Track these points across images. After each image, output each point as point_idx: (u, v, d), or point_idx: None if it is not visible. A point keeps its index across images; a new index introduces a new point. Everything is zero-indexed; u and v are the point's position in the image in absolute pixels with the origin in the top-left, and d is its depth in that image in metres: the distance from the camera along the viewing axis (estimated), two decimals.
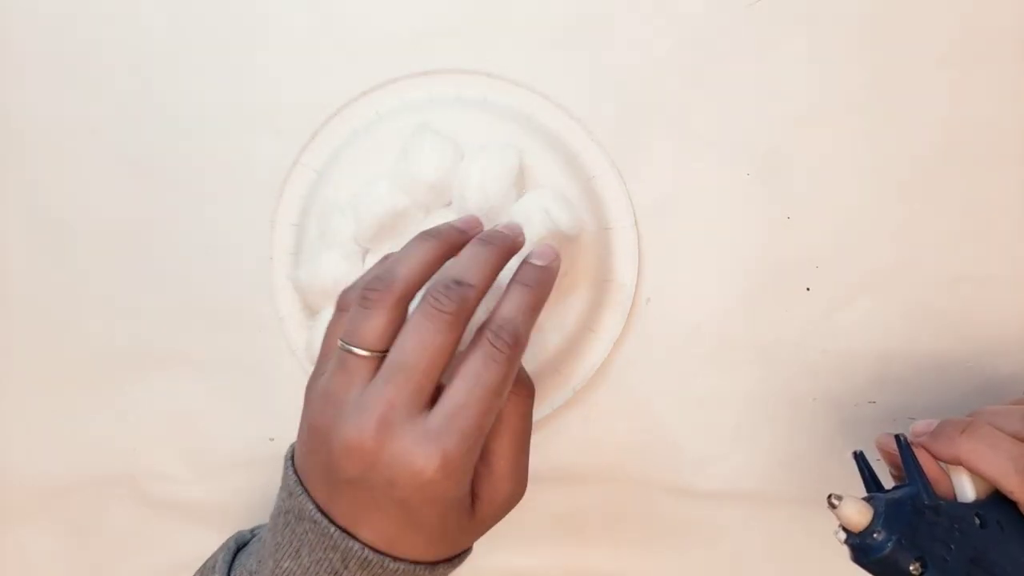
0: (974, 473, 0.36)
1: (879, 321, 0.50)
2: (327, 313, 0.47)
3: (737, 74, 0.50)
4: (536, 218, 0.44)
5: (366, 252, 0.47)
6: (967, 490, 0.35)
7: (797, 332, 0.50)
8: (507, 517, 0.52)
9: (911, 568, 0.32)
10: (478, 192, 0.45)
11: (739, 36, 0.50)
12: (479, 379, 0.35)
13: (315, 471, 0.37)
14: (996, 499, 0.36)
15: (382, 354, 0.35)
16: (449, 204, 0.47)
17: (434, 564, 0.37)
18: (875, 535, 0.32)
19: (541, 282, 0.38)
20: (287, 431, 0.52)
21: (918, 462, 0.35)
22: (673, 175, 0.50)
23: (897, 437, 0.36)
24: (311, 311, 0.49)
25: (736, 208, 0.50)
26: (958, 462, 0.36)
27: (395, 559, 0.36)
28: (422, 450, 0.33)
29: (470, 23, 0.50)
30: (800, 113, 0.50)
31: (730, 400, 0.51)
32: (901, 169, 0.50)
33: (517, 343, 0.36)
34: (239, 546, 0.43)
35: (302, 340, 0.50)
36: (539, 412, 0.51)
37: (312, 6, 0.51)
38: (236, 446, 0.52)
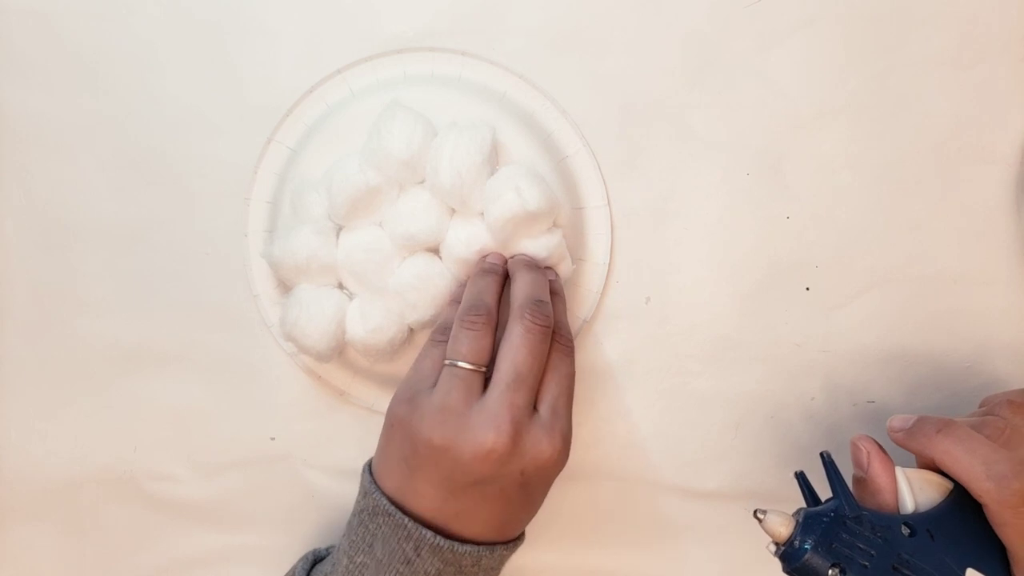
0: (947, 472, 0.37)
1: (879, 321, 0.50)
2: (300, 289, 0.47)
3: (737, 74, 0.50)
4: (507, 196, 0.44)
5: (339, 229, 0.47)
6: (907, 500, 0.37)
7: (797, 332, 0.51)
8: None
9: (829, 573, 0.34)
10: (450, 169, 0.45)
11: (739, 36, 0.50)
12: (560, 372, 0.42)
13: (397, 473, 0.41)
14: (944, 507, 0.37)
15: (486, 368, 0.41)
16: (422, 181, 0.47)
17: (493, 544, 0.41)
18: (795, 543, 0.35)
19: (560, 288, 0.47)
20: (287, 431, 0.52)
21: (840, 476, 0.37)
22: (673, 175, 0.50)
23: (821, 454, 0.38)
24: (284, 287, 0.49)
25: (736, 208, 0.50)
26: (932, 460, 0.38)
27: (464, 542, 0.40)
28: (548, 438, 0.40)
29: (470, 22, 0.50)
30: (800, 113, 0.50)
31: (730, 400, 0.51)
32: (901, 169, 0.50)
33: (572, 338, 0.44)
34: (316, 559, 0.46)
35: (275, 316, 0.50)
36: None
37: None
38: (236, 446, 0.52)
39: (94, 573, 0.54)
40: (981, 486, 0.35)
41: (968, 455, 0.36)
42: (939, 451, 0.37)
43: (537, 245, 0.46)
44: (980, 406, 0.43)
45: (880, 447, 0.39)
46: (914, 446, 0.38)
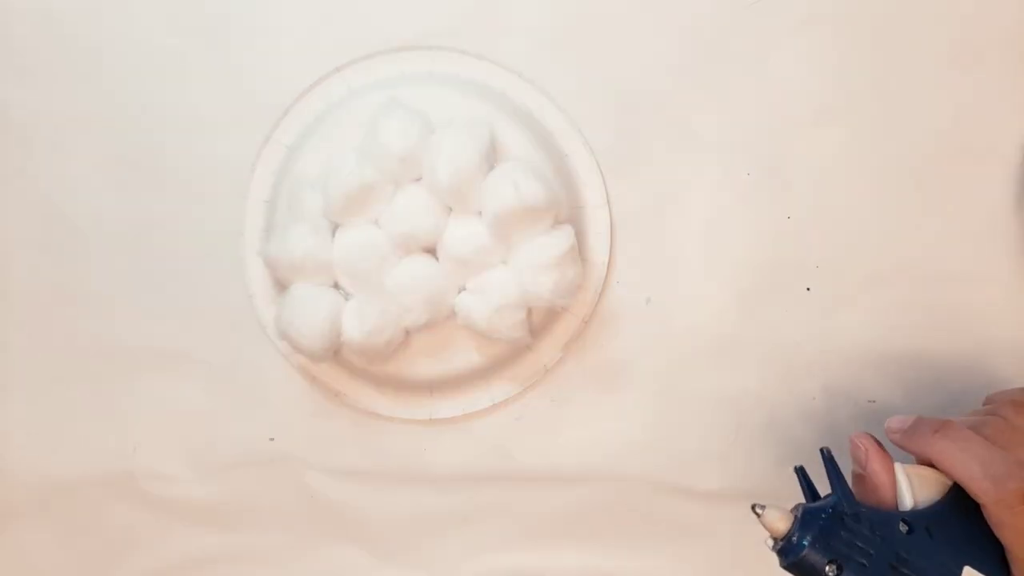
0: (944, 473, 0.37)
1: (879, 321, 0.50)
2: (295, 288, 0.47)
3: (737, 74, 0.50)
4: (504, 190, 0.44)
5: (335, 227, 0.47)
6: (905, 497, 0.37)
7: (797, 332, 0.50)
8: (507, 516, 0.52)
9: (826, 569, 0.34)
10: (448, 167, 0.45)
11: (739, 36, 0.50)
12: None
13: None
14: (943, 505, 0.37)
15: None
16: (419, 179, 0.47)
17: None
18: (793, 539, 0.35)
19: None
20: (286, 431, 0.52)
21: (840, 472, 0.37)
22: (673, 174, 0.50)
23: (821, 450, 0.38)
24: (280, 286, 0.49)
25: (736, 208, 0.50)
26: (929, 460, 0.37)
27: None
28: None
29: (469, 21, 0.50)
30: (800, 113, 0.50)
31: (730, 400, 0.51)
32: (901, 169, 0.50)
33: None
34: None
35: (271, 316, 0.50)
36: (512, 389, 0.51)
37: None
38: (236, 446, 0.52)
39: (94, 573, 0.54)
40: (978, 486, 0.35)
41: (965, 455, 0.36)
42: (936, 452, 0.37)
43: (547, 244, 0.46)
44: (984, 404, 0.43)
45: (879, 444, 0.39)
46: (912, 447, 0.38)
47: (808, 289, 0.50)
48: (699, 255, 0.51)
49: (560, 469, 0.52)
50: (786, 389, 0.51)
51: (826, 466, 0.38)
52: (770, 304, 0.51)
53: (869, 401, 0.50)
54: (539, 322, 0.49)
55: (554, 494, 0.52)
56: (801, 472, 0.39)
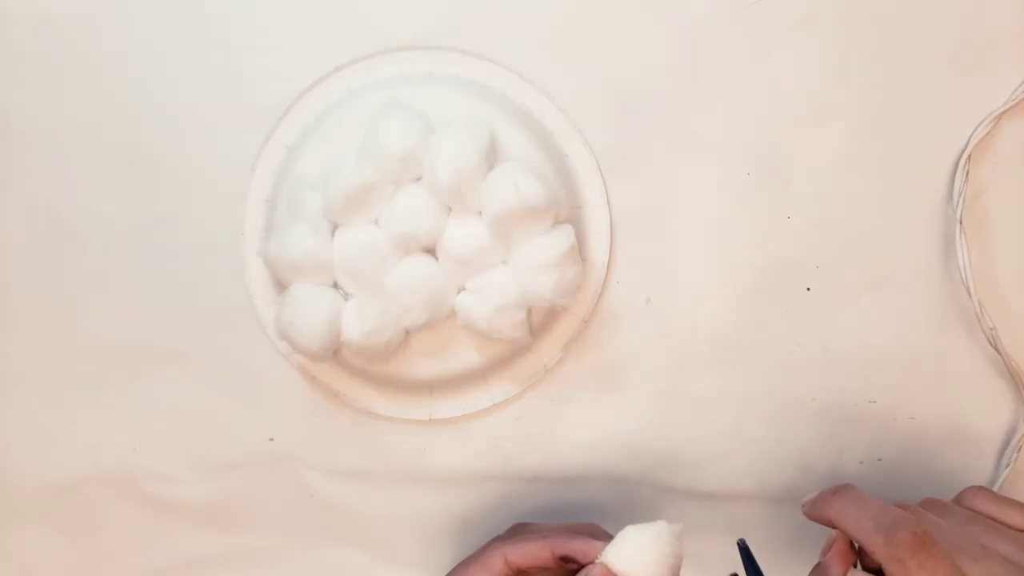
0: (843, 532, 0.37)
1: (879, 321, 0.50)
2: (295, 288, 0.47)
3: (737, 74, 0.50)
4: (504, 190, 0.44)
5: (335, 227, 0.47)
6: None
7: (797, 332, 0.50)
8: (507, 516, 0.52)
9: None
10: (448, 167, 0.45)
11: (739, 36, 0.50)
12: None
13: None
14: None
15: None
16: (419, 179, 0.47)
17: None
18: None
19: None
20: (286, 431, 0.52)
21: (755, 563, 0.39)
22: (673, 174, 0.50)
23: (738, 543, 0.40)
24: (280, 286, 0.49)
25: (736, 208, 0.50)
26: (829, 522, 0.37)
27: None
28: None
29: (469, 21, 0.50)
30: (800, 113, 0.50)
31: (730, 400, 0.51)
32: (901, 169, 0.50)
33: None
34: None
35: (271, 316, 0.50)
36: (512, 390, 0.51)
37: None
38: (236, 446, 0.52)
39: (93, 574, 0.54)
40: (872, 540, 0.34)
41: (857, 511, 0.36)
42: (834, 512, 0.37)
43: (547, 244, 0.46)
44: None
45: (849, 544, 0.38)
46: (816, 515, 0.38)
47: (808, 289, 0.50)
48: (699, 255, 0.51)
49: (560, 469, 0.52)
50: (786, 389, 0.51)
51: (742, 556, 0.39)
52: (770, 304, 0.51)
53: (870, 402, 0.50)
54: (539, 322, 0.49)
55: (554, 494, 0.52)
56: (743, 550, 0.40)
